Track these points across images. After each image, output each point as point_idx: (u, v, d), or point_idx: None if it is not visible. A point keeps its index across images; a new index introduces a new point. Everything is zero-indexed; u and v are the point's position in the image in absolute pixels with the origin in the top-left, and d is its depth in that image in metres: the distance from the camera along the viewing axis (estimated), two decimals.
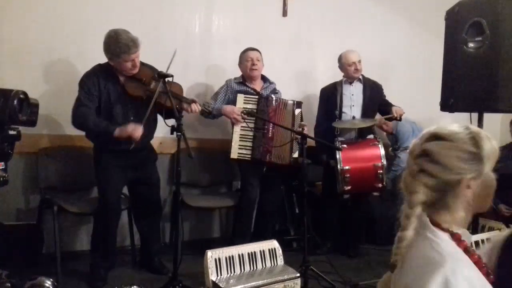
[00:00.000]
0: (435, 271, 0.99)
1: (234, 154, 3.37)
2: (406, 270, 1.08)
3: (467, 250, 1.09)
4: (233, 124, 3.45)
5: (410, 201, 1.09)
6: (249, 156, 3.38)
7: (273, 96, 3.51)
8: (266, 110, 3.40)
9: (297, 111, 3.49)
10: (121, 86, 2.89)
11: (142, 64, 2.95)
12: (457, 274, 0.98)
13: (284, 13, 4.23)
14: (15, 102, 1.78)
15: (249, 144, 3.38)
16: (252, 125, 3.36)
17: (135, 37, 2.79)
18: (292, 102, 3.50)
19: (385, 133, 4.31)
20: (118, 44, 2.73)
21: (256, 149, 3.36)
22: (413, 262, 1.07)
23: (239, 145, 3.38)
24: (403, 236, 1.09)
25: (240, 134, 3.38)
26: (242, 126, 3.37)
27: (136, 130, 2.75)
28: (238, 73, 3.65)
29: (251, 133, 3.38)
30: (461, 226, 1.12)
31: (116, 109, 2.89)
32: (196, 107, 2.99)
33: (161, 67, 2.82)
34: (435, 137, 1.11)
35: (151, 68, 3.02)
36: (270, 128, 3.38)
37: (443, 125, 1.13)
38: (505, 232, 1.25)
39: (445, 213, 1.10)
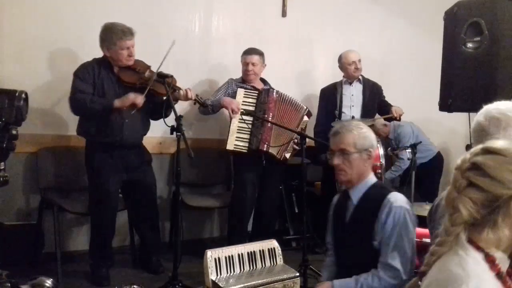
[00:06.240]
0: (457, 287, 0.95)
1: (230, 145, 3.31)
2: (429, 282, 1.05)
3: (500, 276, 1.01)
4: (231, 118, 3.41)
5: (453, 218, 1.04)
6: (246, 148, 3.32)
7: (274, 89, 3.47)
8: (266, 102, 3.36)
9: (305, 118, 3.50)
10: (115, 75, 2.95)
11: (138, 60, 3.01)
12: None
13: (284, 14, 4.24)
14: (21, 102, 1.78)
15: (246, 136, 3.33)
16: (250, 124, 3.34)
17: (130, 27, 2.89)
18: (305, 108, 3.51)
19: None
20: (113, 31, 2.83)
21: (254, 140, 3.29)
22: (437, 275, 1.04)
23: (236, 137, 3.32)
24: (437, 251, 1.06)
25: (238, 127, 3.33)
26: (239, 120, 3.34)
27: (138, 97, 2.79)
28: (237, 73, 3.65)
29: (249, 127, 3.33)
30: (505, 250, 1.04)
31: (108, 96, 2.91)
32: (190, 93, 3.00)
33: (160, 67, 2.87)
34: (488, 151, 1.06)
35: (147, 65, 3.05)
36: (270, 118, 3.32)
37: (494, 141, 1.08)
38: None
39: (489, 232, 1.03)
